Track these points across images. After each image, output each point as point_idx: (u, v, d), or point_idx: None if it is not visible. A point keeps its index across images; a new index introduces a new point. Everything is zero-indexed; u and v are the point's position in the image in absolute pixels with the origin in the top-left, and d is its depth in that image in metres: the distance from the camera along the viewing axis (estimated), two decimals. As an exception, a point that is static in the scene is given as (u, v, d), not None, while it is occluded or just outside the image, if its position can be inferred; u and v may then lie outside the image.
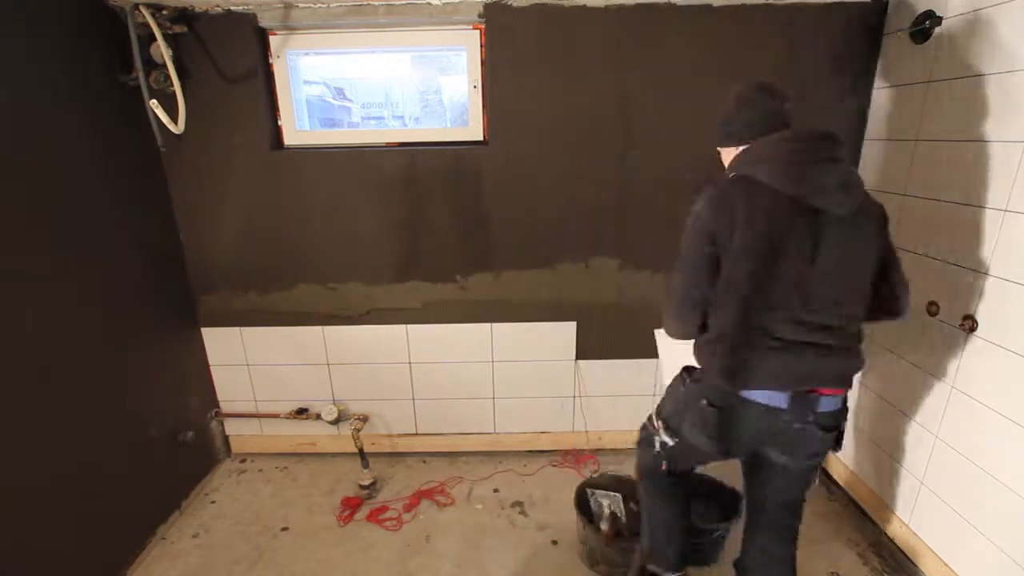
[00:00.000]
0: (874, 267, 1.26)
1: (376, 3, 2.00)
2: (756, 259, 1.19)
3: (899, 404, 1.94)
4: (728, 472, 2.44)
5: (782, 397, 1.24)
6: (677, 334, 1.37)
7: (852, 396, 2.20)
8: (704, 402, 1.30)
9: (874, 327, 2.03)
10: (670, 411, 1.46)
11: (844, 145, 1.23)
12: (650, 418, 1.56)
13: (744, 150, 1.31)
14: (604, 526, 1.84)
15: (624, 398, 2.52)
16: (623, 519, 1.90)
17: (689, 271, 1.28)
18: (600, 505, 1.93)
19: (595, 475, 2.14)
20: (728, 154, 1.39)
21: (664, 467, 1.50)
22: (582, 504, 1.97)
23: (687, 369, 1.43)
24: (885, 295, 1.30)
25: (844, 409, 1.31)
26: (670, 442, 1.44)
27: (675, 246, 1.26)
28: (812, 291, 1.19)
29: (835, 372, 1.25)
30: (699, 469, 1.76)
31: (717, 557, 1.96)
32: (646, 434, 1.58)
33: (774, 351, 1.22)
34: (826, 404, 1.26)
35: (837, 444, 1.33)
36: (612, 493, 1.97)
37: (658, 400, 1.58)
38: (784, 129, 1.27)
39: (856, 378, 2.17)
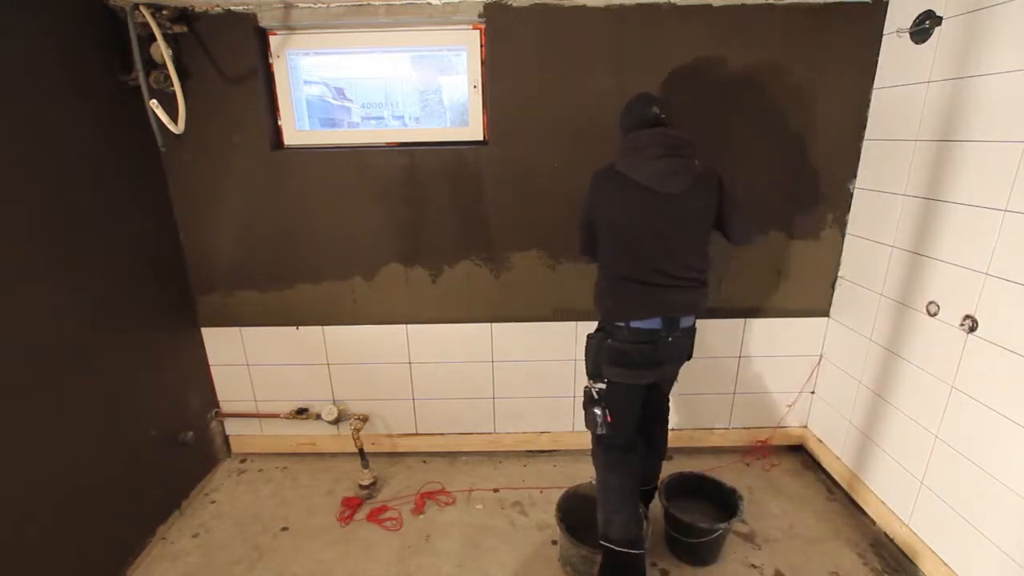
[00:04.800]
0: (709, 225, 1.71)
1: (376, 3, 2.00)
2: (624, 226, 1.66)
3: (899, 404, 1.94)
4: (727, 472, 2.45)
5: (656, 321, 1.68)
6: (584, 251, 1.89)
7: (852, 395, 2.21)
8: (609, 341, 1.72)
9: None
10: (591, 365, 1.79)
11: (691, 144, 1.64)
12: (585, 387, 1.82)
13: (623, 140, 1.71)
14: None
15: (624, 398, 2.52)
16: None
17: (584, 223, 1.81)
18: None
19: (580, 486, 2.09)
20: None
21: (609, 417, 1.76)
22: (565, 516, 1.92)
23: (589, 335, 1.80)
24: (727, 234, 1.77)
25: (694, 327, 1.79)
26: (603, 386, 1.76)
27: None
28: (666, 249, 1.65)
29: (686, 302, 1.71)
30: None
31: (716, 557, 1.96)
32: (586, 398, 1.80)
33: (646, 291, 1.67)
34: (684, 323, 1.72)
35: (690, 353, 1.82)
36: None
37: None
38: (652, 128, 1.67)
39: (855, 375, 2.18)
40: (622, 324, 1.69)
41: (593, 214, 1.75)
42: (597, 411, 1.77)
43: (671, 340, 1.71)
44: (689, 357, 1.82)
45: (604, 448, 1.82)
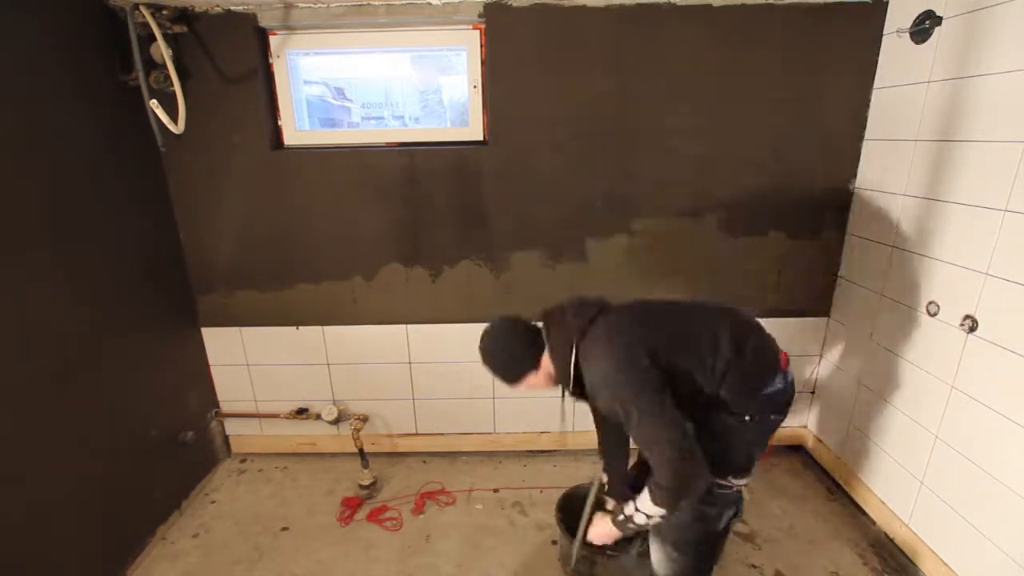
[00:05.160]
0: None
1: (376, 3, 2.00)
2: (689, 319, 1.44)
3: (899, 404, 1.94)
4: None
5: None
6: (699, 468, 1.25)
7: (852, 395, 2.21)
8: (773, 417, 1.44)
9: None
10: (743, 457, 1.45)
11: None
12: (716, 490, 1.44)
13: (552, 344, 1.49)
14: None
15: (624, 398, 2.52)
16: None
17: (662, 404, 1.26)
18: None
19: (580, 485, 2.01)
20: (541, 373, 1.58)
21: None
22: (565, 516, 1.87)
23: (730, 421, 1.41)
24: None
25: None
26: (750, 479, 1.51)
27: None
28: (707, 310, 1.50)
29: None
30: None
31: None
32: (723, 502, 1.47)
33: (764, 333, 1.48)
34: None
35: None
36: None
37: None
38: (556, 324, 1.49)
39: (855, 375, 2.18)
40: (781, 384, 1.40)
41: (669, 378, 1.30)
42: (731, 512, 1.51)
43: None
44: None
45: (714, 540, 1.57)
